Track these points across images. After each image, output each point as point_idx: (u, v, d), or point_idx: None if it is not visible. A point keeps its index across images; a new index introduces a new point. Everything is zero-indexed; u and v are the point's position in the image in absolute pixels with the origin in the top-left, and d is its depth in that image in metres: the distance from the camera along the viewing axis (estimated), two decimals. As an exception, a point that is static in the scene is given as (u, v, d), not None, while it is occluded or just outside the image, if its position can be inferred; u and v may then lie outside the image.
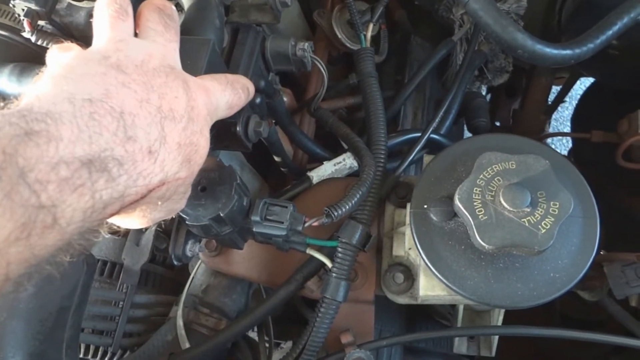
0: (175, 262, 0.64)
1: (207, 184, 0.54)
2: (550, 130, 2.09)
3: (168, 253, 0.90)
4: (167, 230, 0.90)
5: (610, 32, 0.72)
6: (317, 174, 0.75)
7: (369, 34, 0.78)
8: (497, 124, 1.52)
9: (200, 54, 0.55)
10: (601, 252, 0.94)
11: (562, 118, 2.52)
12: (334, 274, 0.62)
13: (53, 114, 0.34)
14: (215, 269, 0.77)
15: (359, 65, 0.75)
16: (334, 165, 0.76)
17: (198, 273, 0.81)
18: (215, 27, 0.62)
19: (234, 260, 0.75)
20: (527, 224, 0.51)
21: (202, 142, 0.45)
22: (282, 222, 0.57)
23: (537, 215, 0.52)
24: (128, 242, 0.85)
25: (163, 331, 0.75)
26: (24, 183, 0.31)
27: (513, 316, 0.74)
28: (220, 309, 0.77)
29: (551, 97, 1.41)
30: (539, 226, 0.51)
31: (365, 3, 0.89)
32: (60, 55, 0.46)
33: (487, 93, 1.62)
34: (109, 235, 0.86)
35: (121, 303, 0.77)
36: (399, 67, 1.03)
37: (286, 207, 0.57)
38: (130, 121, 0.38)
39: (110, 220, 0.44)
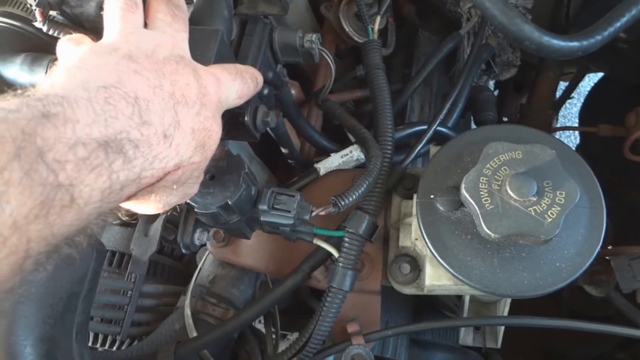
0: (184, 251, 0.65)
1: (215, 173, 0.55)
2: (558, 125, 2.07)
3: (176, 244, 0.91)
4: (174, 222, 0.91)
5: (618, 24, 0.71)
6: (324, 166, 0.76)
7: (376, 27, 0.78)
8: (505, 119, 1.52)
9: (209, 44, 0.55)
10: (609, 247, 0.95)
11: (570, 115, 2.51)
12: (340, 264, 0.63)
13: (69, 99, 0.35)
14: (222, 259, 0.78)
15: (366, 57, 0.76)
16: (341, 157, 0.76)
17: (206, 264, 0.82)
18: (224, 18, 0.62)
19: (242, 251, 0.75)
20: (533, 213, 0.52)
21: (215, 128, 0.46)
22: (290, 211, 0.57)
23: (544, 204, 0.52)
24: (136, 232, 0.86)
25: (171, 320, 0.76)
26: (42, 162, 0.32)
27: (520, 310, 0.74)
28: (227, 299, 0.78)
29: (559, 94, 1.41)
30: (545, 215, 0.51)
31: (372, -5, 0.90)
32: (73, 49, 0.47)
33: (495, 88, 1.61)
34: (122, 222, 0.87)
35: (130, 292, 0.78)
36: (406, 60, 1.04)
37: (293, 196, 0.58)
38: (145, 106, 0.39)
39: (128, 205, 0.44)
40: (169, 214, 0.84)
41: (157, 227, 0.86)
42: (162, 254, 0.88)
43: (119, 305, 0.77)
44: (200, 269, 0.81)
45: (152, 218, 0.89)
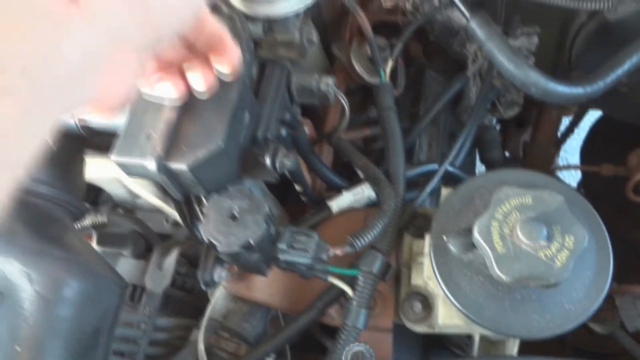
0: (204, 287, 0.66)
1: (238, 212, 0.57)
2: (559, 160, 2.10)
3: (188, 277, 0.93)
4: (187, 255, 0.93)
5: (620, 71, 0.75)
6: (337, 204, 0.78)
7: (388, 70, 0.82)
8: (507, 153, 1.55)
9: (231, 87, 0.58)
10: (613, 284, 0.96)
11: (570, 148, 2.53)
12: (355, 302, 0.64)
13: None
14: (236, 294, 0.79)
15: (378, 99, 0.79)
16: (353, 195, 0.78)
17: (219, 298, 0.83)
18: (245, 61, 0.65)
19: (255, 287, 0.77)
20: (543, 257, 0.54)
21: None
22: (308, 251, 0.59)
23: (553, 248, 0.54)
24: (151, 265, 0.87)
25: (184, 355, 0.77)
26: None
27: (525, 348, 0.75)
28: (240, 334, 0.79)
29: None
30: (555, 259, 0.53)
31: (383, 38, 0.93)
32: None
33: (496, 122, 1.65)
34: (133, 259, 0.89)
35: (143, 325, 0.80)
36: (414, 99, 1.07)
37: (312, 236, 0.60)
38: None
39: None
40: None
41: (171, 261, 0.88)
42: (174, 286, 0.89)
43: (132, 338, 0.78)
44: (214, 303, 0.82)
45: (166, 251, 0.90)
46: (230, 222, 0.56)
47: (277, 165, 0.60)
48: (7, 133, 0.28)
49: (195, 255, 0.95)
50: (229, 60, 0.51)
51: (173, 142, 0.56)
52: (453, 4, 0.75)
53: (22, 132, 0.29)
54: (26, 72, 0.28)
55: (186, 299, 0.93)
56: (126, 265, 0.89)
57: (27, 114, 0.29)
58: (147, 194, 0.90)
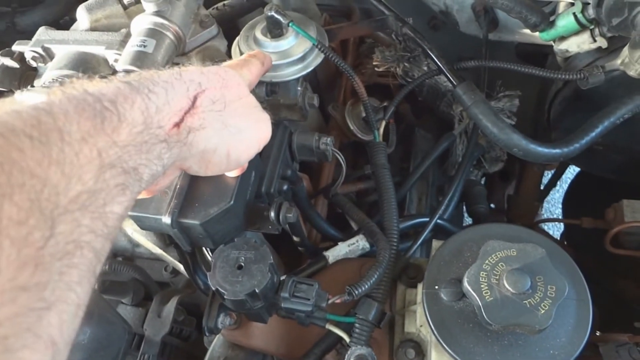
0: (207, 334, 0.69)
1: (244, 262, 0.61)
2: (542, 211, 2.18)
3: (185, 325, 0.95)
4: (185, 303, 0.95)
5: (593, 134, 0.81)
6: (333, 254, 0.82)
7: (381, 130, 0.88)
8: (492, 205, 1.60)
9: None
10: (596, 333, 1.00)
11: (553, 200, 2.62)
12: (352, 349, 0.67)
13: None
14: (234, 341, 0.81)
15: (373, 158, 0.84)
16: (348, 246, 0.83)
17: (216, 345, 0.86)
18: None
19: (253, 334, 0.79)
20: (528, 305, 0.58)
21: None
22: (309, 299, 0.63)
23: (537, 297, 0.58)
24: (150, 313, 0.90)
25: (183, 402, 0.79)
26: None
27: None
28: (237, 381, 0.81)
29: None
30: (539, 307, 0.58)
31: (376, 100, 1.00)
32: None
33: (482, 176, 1.72)
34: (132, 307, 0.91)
35: (143, 373, 0.81)
36: (403, 155, 1.13)
37: (312, 285, 0.64)
38: None
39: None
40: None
41: (170, 309, 0.90)
42: (171, 334, 0.92)
43: (133, 386, 0.80)
44: (211, 351, 0.84)
45: (165, 299, 0.93)
46: (236, 271, 0.60)
47: (281, 218, 0.65)
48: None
49: (193, 303, 0.98)
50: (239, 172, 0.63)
51: (187, 200, 0.61)
52: (441, 71, 0.82)
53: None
54: (138, 174, 0.40)
55: (182, 347, 0.95)
56: (125, 313, 0.91)
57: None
58: (149, 244, 0.93)
